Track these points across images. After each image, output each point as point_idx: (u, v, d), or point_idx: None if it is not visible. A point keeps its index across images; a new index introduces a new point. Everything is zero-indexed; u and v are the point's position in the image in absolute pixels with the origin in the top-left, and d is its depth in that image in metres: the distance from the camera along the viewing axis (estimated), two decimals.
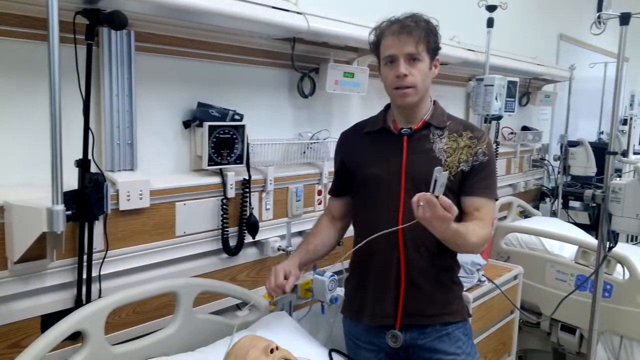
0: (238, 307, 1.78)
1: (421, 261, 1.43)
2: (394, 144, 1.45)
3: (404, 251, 1.41)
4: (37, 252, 1.29)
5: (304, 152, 2.05)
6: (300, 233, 2.02)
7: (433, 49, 1.40)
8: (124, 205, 1.48)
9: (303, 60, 2.01)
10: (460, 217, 1.37)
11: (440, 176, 1.12)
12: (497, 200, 1.49)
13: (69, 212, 1.22)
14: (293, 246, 1.93)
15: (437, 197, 1.14)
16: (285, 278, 1.46)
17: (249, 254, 1.86)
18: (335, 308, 1.96)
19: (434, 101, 1.50)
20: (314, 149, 2.05)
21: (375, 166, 1.44)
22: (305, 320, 1.99)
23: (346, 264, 1.68)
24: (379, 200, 1.43)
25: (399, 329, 1.44)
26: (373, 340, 1.49)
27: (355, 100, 2.31)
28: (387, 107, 1.54)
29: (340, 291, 1.94)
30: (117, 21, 1.29)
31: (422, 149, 1.43)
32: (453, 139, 1.44)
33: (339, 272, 2.00)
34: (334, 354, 1.47)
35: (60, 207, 1.18)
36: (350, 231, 1.64)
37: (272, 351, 1.17)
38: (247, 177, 1.80)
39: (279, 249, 1.89)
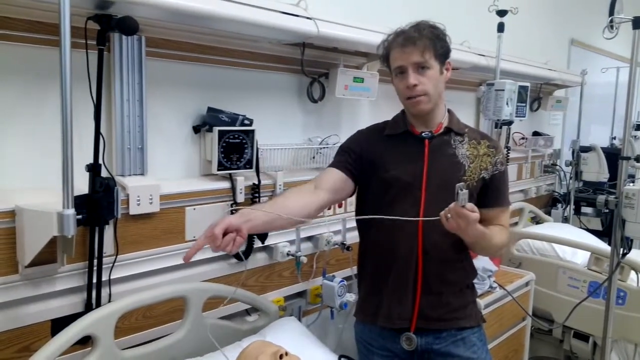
0: (247, 312, 1.78)
1: (440, 265, 1.43)
2: (416, 147, 1.45)
3: (423, 255, 1.40)
4: (48, 256, 1.30)
5: (314, 157, 2.04)
6: (309, 238, 2.01)
7: (442, 54, 1.40)
8: (134, 210, 1.48)
9: (312, 66, 2.01)
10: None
11: (462, 193, 1.17)
12: (510, 205, 1.52)
13: (80, 217, 1.22)
14: (303, 251, 1.93)
15: (462, 206, 1.19)
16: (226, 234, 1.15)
17: (258, 259, 1.85)
18: (345, 314, 1.95)
19: (449, 109, 1.50)
20: (323, 154, 2.05)
21: (398, 169, 1.43)
22: (314, 326, 1.98)
23: (355, 269, 1.67)
24: (399, 202, 1.42)
25: (414, 332, 1.43)
26: (387, 345, 1.48)
27: (365, 105, 2.31)
28: (403, 111, 1.53)
29: (350, 297, 1.93)
30: (128, 26, 1.30)
31: (445, 153, 1.44)
32: (473, 146, 1.46)
33: (348, 278, 2.00)
34: None
35: (71, 211, 1.18)
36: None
37: (281, 357, 1.17)
38: (256, 182, 1.80)
39: (288, 254, 1.89)
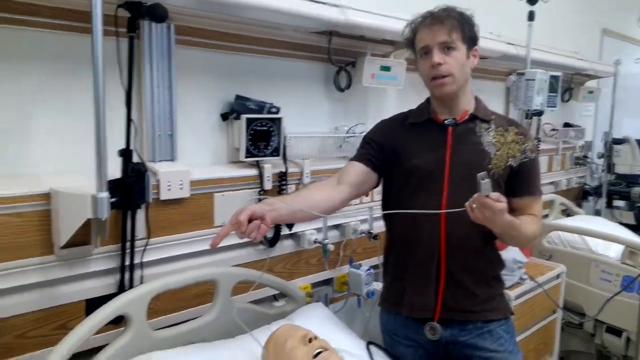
0: (275, 297, 1.79)
1: (463, 256, 1.40)
2: (438, 135, 1.42)
3: (446, 245, 1.38)
4: (82, 238, 1.33)
5: (340, 146, 2.04)
6: (336, 227, 2.01)
7: (469, 38, 1.37)
8: (164, 195, 1.51)
9: (339, 54, 2.01)
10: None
11: (484, 183, 1.14)
12: (542, 194, 1.49)
13: (113, 200, 1.25)
14: (330, 239, 1.93)
15: (486, 196, 1.16)
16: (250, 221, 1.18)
17: (285, 246, 1.86)
18: (372, 302, 1.94)
19: (476, 96, 1.48)
20: (350, 142, 2.04)
21: (420, 157, 1.41)
22: (340, 314, 1.98)
23: (382, 258, 1.66)
24: (422, 191, 1.40)
25: (438, 322, 1.41)
26: (411, 335, 1.47)
27: (392, 94, 2.29)
28: (428, 99, 1.51)
29: (377, 286, 1.92)
30: (158, 14, 1.32)
31: (469, 141, 1.41)
32: (500, 133, 1.42)
33: (375, 267, 1.99)
34: (371, 347, 1.45)
35: (105, 194, 1.21)
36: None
37: (310, 340, 1.17)
38: (283, 170, 1.81)
39: (315, 242, 1.89)
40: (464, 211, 1.22)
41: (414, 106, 1.54)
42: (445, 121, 1.42)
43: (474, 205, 1.19)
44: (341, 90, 2.06)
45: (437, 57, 1.34)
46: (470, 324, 1.42)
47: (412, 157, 1.42)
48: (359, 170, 1.46)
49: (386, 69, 2.04)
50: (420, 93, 1.51)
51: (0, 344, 1.27)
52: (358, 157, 1.49)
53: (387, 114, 1.58)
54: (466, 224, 1.24)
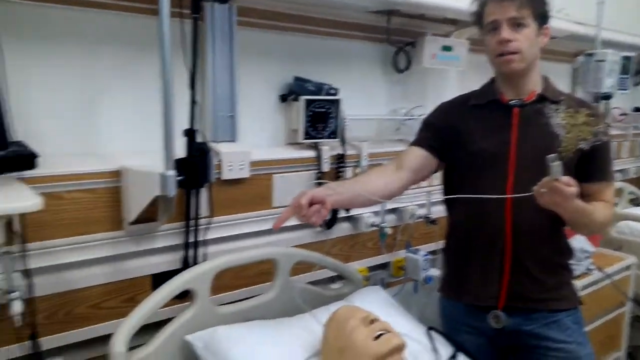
0: (331, 280, 1.79)
1: (530, 242, 1.35)
2: (503, 116, 1.36)
3: (512, 231, 1.33)
4: (150, 215, 1.38)
5: (398, 129, 2.01)
6: (393, 210, 1.99)
7: (540, 15, 1.30)
8: (226, 175, 1.53)
9: (398, 34, 1.96)
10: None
11: (554, 165, 1.08)
12: (614, 180, 1.40)
13: (179, 178, 1.28)
14: (387, 222, 1.90)
15: (556, 180, 1.10)
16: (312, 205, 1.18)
17: (342, 229, 1.86)
18: (429, 288, 1.91)
19: (545, 76, 1.40)
20: (408, 125, 2.00)
21: (484, 140, 1.36)
22: (396, 299, 1.94)
23: (440, 244, 1.62)
24: (486, 175, 1.36)
25: (502, 310, 1.37)
26: (473, 323, 1.43)
27: (452, 75, 2.23)
28: (492, 80, 1.45)
29: (434, 272, 1.89)
30: None
31: (537, 123, 1.34)
32: (570, 115, 1.35)
33: (432, 252, 1.96)
34: (432, 332, 1.43)
35: (172, 172, 1.25)
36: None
37: (372, 322, 1.15)
38: (341, 152, 1.80)
39: (372, 225, 1.88)
40: (531, 196, 1.17)
41: (475, 88, 1.48)
42: (511, 102, 1.36)
43: (543, 190, 1.14)
44: (400, 71, 2.02)
45: (506, 32, 1.27)
46: (537, 313, 1.37)
47: (476, 140, 1.38)
48: (418, 155, 1.43)
49: (448, 48, 1.98)
50: (482, 75, 1.45)
51: (76, 313, 1.34)
52: (418, 142, 1.46)
53: (447, 97, 1.52)
54: (535, 209, 1.19)
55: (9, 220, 1.20)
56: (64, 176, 1.27)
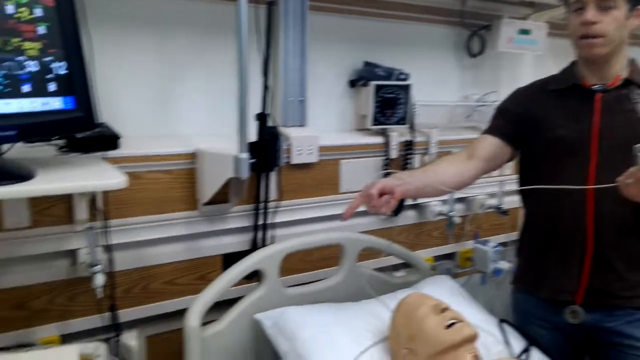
0: (395, 267, 1.77)
1: (614, 236, 1.27)
2: (585, 102, 1.28)
3: (594, 223, 1.26)
4: (222, 196, 1.42)
5: (469, 116, 1.94)
6: (462, 200, 1.93)
7: None
8: (295, 159, 1.55)
9: (472, 17, 1.89)
10: None
11: None
12: None
13: (252, 161, 1.31)
14: (455, 211, 1.86)
15: None
16: (381, 195, 1.16)
17: (408, 217, 1.83)
18: (497, 281, 1.86)
19: (632, 59, 1.30)
20: (480, 112, 1.93)
21: (563, 127, 1.29)
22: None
23: (511, 236, 1.57)
24: (566, 164, 1.29)
25: (581, 305, 1.30)
26: (548, 317, 1.37)
27: (528, 60, 2.12)
28: (573, 63, 1.36)
29: (504, 264, 1.83)
30: None
31: (621, 109, 1.25)
32: None
33: (503, 244, 1.89)
34: (504, 325, 1.38)
35: (246, 155, 1.27)
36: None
37: (443, 310, 1.13)
38: (410, 139, 1.76)
39: (439, 214, 1.84)
40: (616, 187, 1.09)
41: (553, 74, 1.40)
42: (594, 87, 1.27)
43: (629, 181, 1.07)
44: (473, 56, 1.95)
45: (591, 14, 1.19)
46: (619, 309, 1.29)
47: (555, 127, 1.30)
48: (491, 143, 1.37)
49: (525, 32, 1.88)
50: (561, 60, 1.37)
51: (152, 288, 1.41)
52: (491, 130, 1.40)
53: (523, 82, 1.45)
54: (618, 200, 1.12)
55: (92, 198, 1.28)
56: (144, 157, 1.33)
